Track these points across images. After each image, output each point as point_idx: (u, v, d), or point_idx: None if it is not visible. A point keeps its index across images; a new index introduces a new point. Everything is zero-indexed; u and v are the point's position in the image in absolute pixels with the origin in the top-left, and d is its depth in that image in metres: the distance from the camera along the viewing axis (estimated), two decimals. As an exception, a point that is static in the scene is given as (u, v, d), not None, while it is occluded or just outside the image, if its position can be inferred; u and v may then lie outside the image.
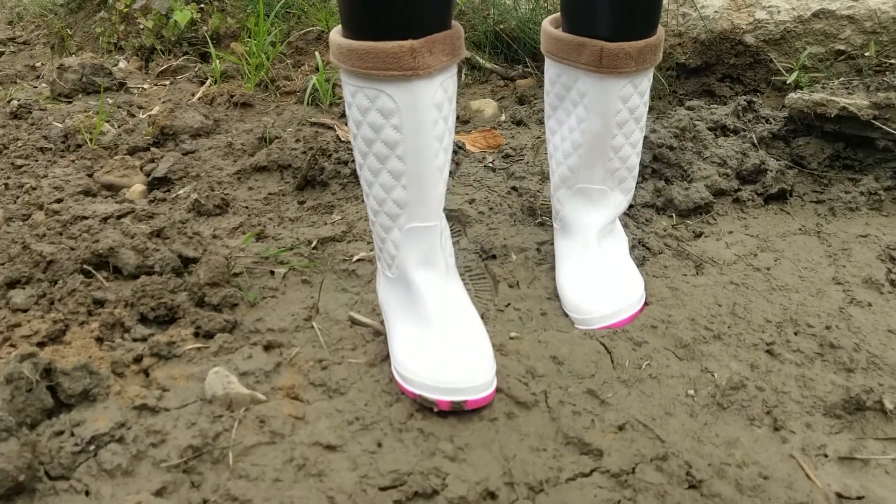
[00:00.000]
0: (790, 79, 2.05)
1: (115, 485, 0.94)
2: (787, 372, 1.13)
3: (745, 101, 1.92)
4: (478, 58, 2.50)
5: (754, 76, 2.20)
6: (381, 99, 1.04)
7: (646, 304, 1.29)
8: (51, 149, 2.07)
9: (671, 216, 1.61)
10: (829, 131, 1.71)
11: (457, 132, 2.10)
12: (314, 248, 1.53)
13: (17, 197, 1.77)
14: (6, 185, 1.84)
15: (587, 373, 1.13)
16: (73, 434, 0.99)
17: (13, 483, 0.89)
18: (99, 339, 1.18)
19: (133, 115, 2.34)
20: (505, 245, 1.50)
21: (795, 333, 1.22)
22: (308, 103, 2.31)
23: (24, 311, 1.23)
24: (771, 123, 1.85)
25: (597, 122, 1.25)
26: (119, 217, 1.59)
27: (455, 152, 1.96)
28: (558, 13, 1.29)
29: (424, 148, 1.07)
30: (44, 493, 0.91)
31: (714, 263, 1.43)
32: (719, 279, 1.37)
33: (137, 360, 1.15)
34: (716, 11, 2.23)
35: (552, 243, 1.45)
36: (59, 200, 1.73)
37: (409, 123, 1.05)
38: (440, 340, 1.11)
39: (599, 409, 1.07)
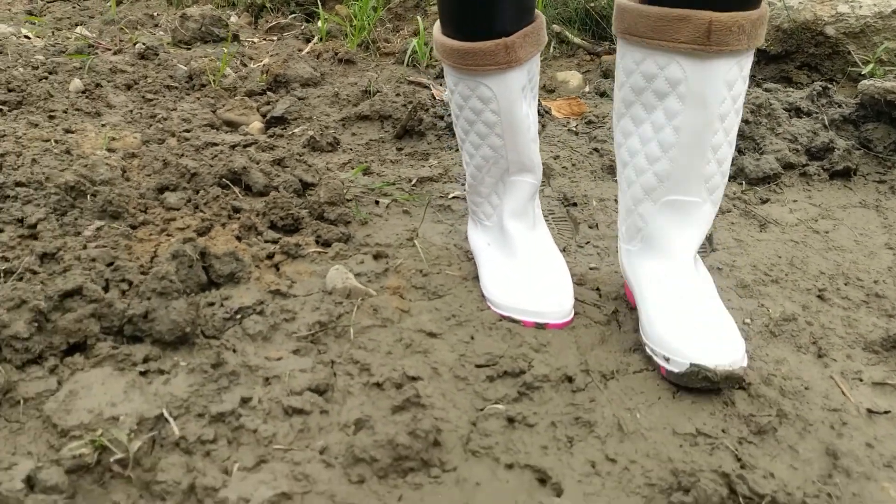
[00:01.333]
0: (866, 70, 2.15)
1: (256, 346, 1.14)
2: (835, 313, 1.28)
3: (820, 86, 2.04)
4: (567, 33, 2.65)
5: (831, 66, 2.31)
6: (480, 89, 1.19)
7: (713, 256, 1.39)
8: (177, 87, 2.31)
9: (741, 183, 1.75)
10: (897, 117, 1.82)
11: (543, 99, 2.27)
12: (413, 185, 1.72)
13: (150, 125, 2.00)
14: (140, 114, 2.07)
15: (655, 299, 1.30)
16: (222, 305, 1.19)
17: (181, 333, 1.09)
18: (238, 238, 1.38)
19: (245, 65, 2.57)
20: (585, 195, 1.67)
21: (846, 284, 1.36)
22: (407, 64, 2.49)
23: (177, 209, 1.45)
24: (843, 108, 1.96)
25: (695, 115, 1.05)
26: (245, 146, 1.80)
27: (541, 115, 2.12)
28: None
29: (518, 124, 1.22)
30: (201, 347, 1.11)
31: (777, 224, 1.57)
32: (780, 237, 1.52)
33: (270, 256, 1.35)
34: (800, 2, 2.34)
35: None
36: (187, 130, 1.96)
37: (504, 107, 1.20)
38: (526, 272, 1.27)
39: (664, 327, 1.23)
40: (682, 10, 0.98)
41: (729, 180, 1.77)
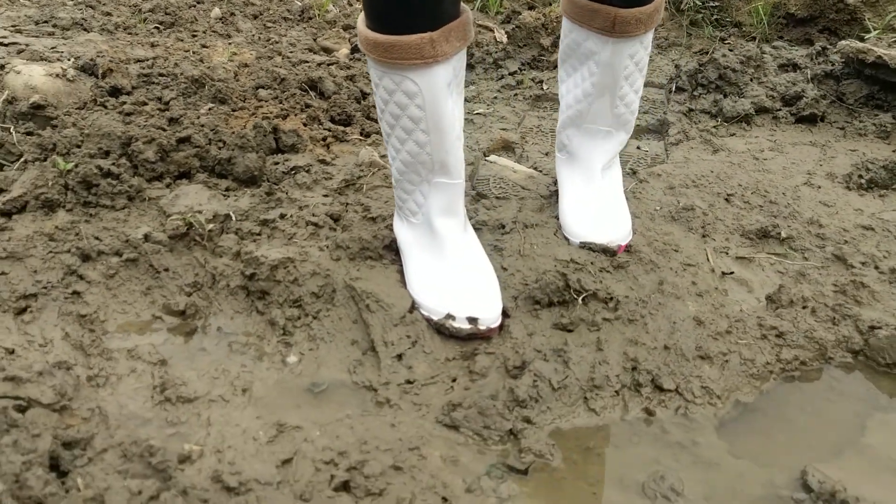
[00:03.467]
0: (872, 34, 2.44)
1: (300, 191, 1.67)
2: (730, 211, 1.68)
3: (820, 46, 2.35)
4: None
5: (849, 31, 2.59)
6: (405, 83, 1.18)
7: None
8: (290, 19, 2.87)
9: (717, 120, 2.13)
10: (869, 75, 2.14)
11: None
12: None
13: (265, 46, 2.57)
14: (259, 37, 2.64)
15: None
16: (283, 164, 1.73)
17: (251, 174, 1.64)
18: (304, 124, 1.92)
19: (351, 4, 3.10)
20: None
21: (752, 193, 1.74)
22: (478, 9, 2.95)
23: (265, 101, 2.00)
24: (834, 66, 2.28)
25: (606, 76, 1.39)
26: (328, 65, 2.33)
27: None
28: None
29: (443, 120, 1.23)
30: (262, 185, 1.65)
31: (727, 151, 1.96)
32: (724, 159, 1.90)
33: (323, 138, 1.88)
34: (830, -28, 2.62)
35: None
36: (291, 52, 2.51)
37: (429, 102, 1.20)
38: (456, 276, 1.32)
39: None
40: (594, 4, 1.30)
41: (710, 118, 2.15)
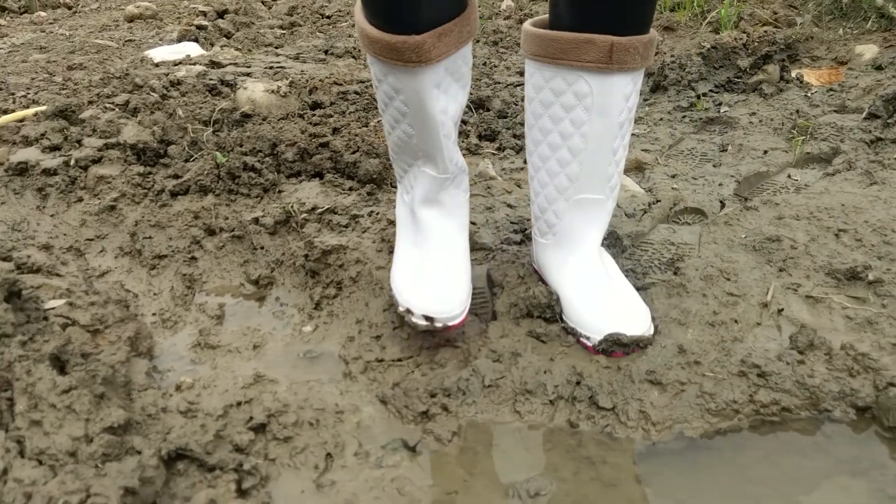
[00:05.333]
0: None
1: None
2: (830, 247, 1.50)
3: None
4: (890, 7, 2.68)
5: None
6: (389, 77, 1.17)
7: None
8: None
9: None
10: None
11: (807, 66, 2.46)
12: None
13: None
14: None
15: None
16: (409, 170, 1.94)
17: (371, 177, 1.87)
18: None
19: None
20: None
21: (872, 231, 1.53)
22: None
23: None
24: None
25: (599, 123, 1.22)
26: (509, 86, 2.48)
27: (787, 81, 2.35)
28: (538, 16, 1.30)
29: (428, 119, 1.20)
30: (382, 187, 1.88)
31: (884, 185, 1.71)
32: (870, 193, 1.68)
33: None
34: None
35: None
36: (492, 72, 2.71)
37: (414, 101, 1.18)
38: (426, 266, 1.32)
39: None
40: (588, 35, 1.14)
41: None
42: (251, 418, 1.18)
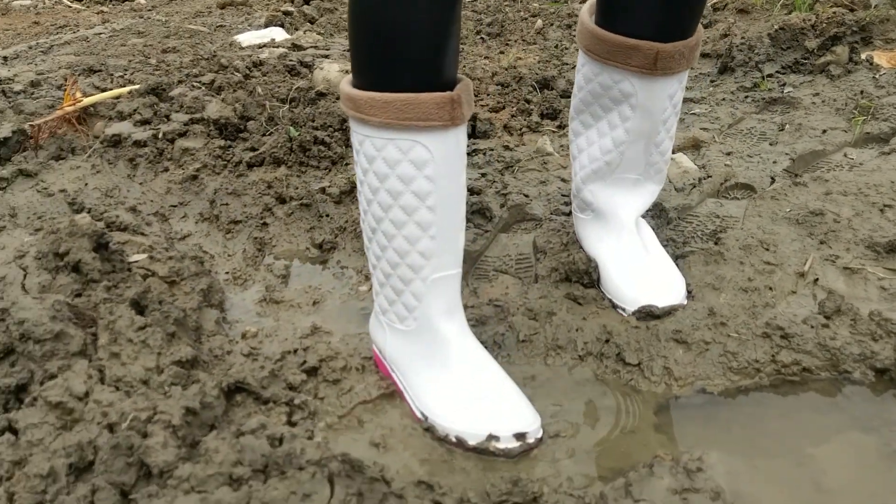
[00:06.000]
0: None
1: (471, 168, 1.95)
2: (873, 222, 1.51)
3: None
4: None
5: None
6: (415, 150, 1.00)
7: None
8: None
9: None
10: None
11: (879, 48, 2.42)
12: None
13: (551, 52, 2.85)
14: (556, 45, 2.94)
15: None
16: (469, 147, 2.03)
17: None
18: (512, 116, 2.18)
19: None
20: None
21: None
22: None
23: (493, 95, 2.31)
24: None
25: (643, 121, 1.25)
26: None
27: (856, 63, 2.32)
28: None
29: (455, 195, 1.07)
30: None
31: None
32: None
33: (520, 129, 2.13)
34: None
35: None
36: (563, 55, 2.76)
37: (443, 172, 1.03)
38: (478, 388, 1.13)
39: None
40: (634, 41, 1.15)
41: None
42: (305, 362, 1.30)
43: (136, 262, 1.50)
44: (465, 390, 1.13)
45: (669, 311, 1.29)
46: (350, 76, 1.05)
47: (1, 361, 1.20)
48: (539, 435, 1.09)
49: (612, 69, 1.22)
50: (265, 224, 1.82)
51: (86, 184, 2.00)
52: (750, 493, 1.00)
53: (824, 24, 2.31)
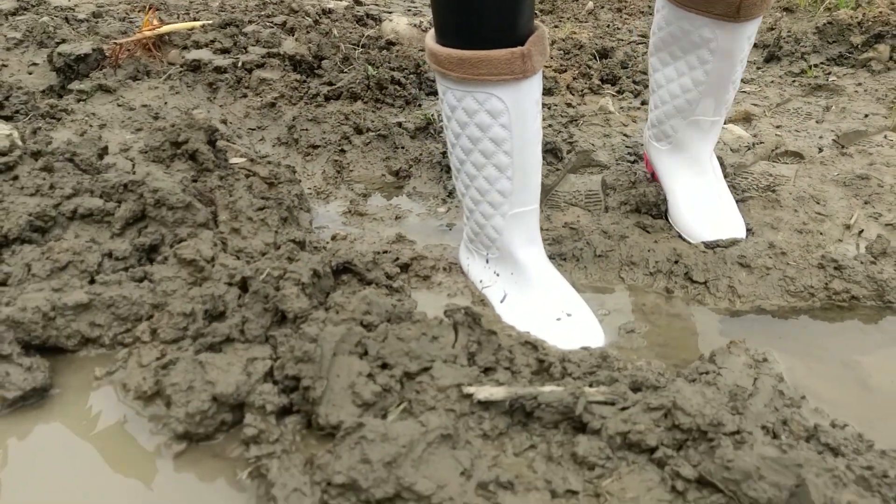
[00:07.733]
0: None
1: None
2: None
3: None
4: None
5: None
6: (490, 101, 1.11)
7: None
8: (644, 12, 3.23)
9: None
10: None
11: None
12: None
13: (603, 29, 2.98)
14: (608, 24, 3.07)
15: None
16: (533, 99, 2.16)
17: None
18: (574, 78, 2.31)
19: None
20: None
21: None
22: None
23: (556, 59, 2.44)
24: None
25: (724, 63, 1.31)
26: (631, 43, 2.66)
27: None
28: None
29: (530, 139, 1.18)
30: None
31: None
32: None
33: (581, 90, 2.26)
34: None
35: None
36: (616, 32, 2.89)
37: (517, 120, 1.13)
38: (550, 309, 1.24)
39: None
40: None
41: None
42: (398, 258, 1.43)
43: (237, 163, 1.63)
44: (541, 311, 1.24)
45: (732, 243, 1.42)
46: (433, 31, 1.16)
47: (131, 226, 1.32)
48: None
49: (693, 16, 1.27)
50: (343, 150, 1.94)
51: (165, 102, 2.12)
52: (806, 385, 1.13)
53: (870, 22, 2.45)
